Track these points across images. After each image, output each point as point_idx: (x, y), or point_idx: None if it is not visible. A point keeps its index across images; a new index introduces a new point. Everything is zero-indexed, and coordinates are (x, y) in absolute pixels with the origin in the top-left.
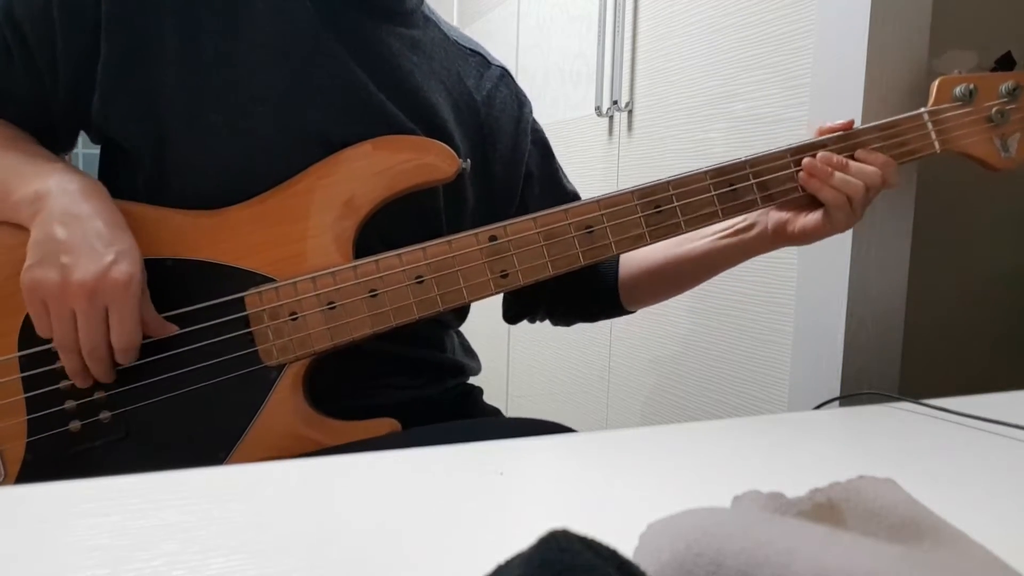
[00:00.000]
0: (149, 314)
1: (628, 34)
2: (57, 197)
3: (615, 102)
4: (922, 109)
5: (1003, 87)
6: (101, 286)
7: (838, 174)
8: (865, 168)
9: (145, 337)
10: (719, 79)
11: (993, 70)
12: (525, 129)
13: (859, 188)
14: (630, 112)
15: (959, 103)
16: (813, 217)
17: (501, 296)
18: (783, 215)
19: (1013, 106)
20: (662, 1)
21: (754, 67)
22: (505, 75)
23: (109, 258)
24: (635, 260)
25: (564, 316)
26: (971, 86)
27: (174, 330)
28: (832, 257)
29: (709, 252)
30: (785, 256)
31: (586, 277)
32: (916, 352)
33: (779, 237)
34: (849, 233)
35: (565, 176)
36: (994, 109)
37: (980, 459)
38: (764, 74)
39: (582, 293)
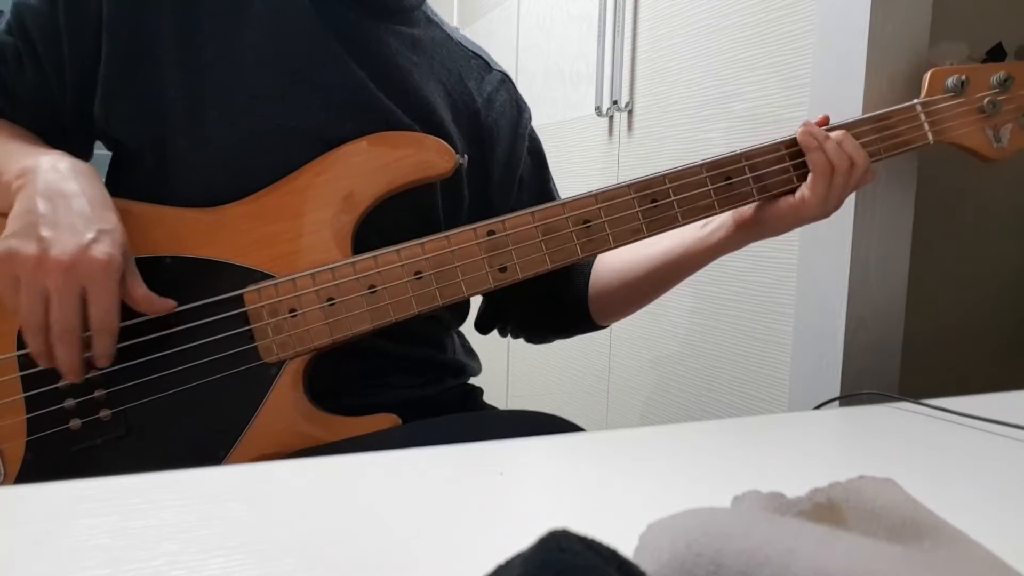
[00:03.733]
0: (138, 290)
1: (628, 34)
2: (45, 172)
3: (615, 102)
4: (915, 100)
5: (994, 78)
6: (79, 264)
7: (830, 142)
8: (855, 150)
9: (141, 315)
10: (719, 79)
11: (984, 61)
12: (523, 134)
13: (844, 159)
14: (630, 112)
15: (951, 94)
16: (785, 198)
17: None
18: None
19: (1004, 97)
20: (662, 1)
21: (754, 67)
22: (506, 80)
23: (90, 236)
24: (606, 273)
25: (536, 332)
26: (963, 77)
27: (172, 305)
28: (832, 257)
29: (676, 257)
30: (785, 256)
31: (556, 292)
32: (916, 352)
33: (743, 224)
34: (849, 233)
35: (556, 189)
36: (986, 100)
37: (980, 459)
38: (764, 74)
39: (552, 309)
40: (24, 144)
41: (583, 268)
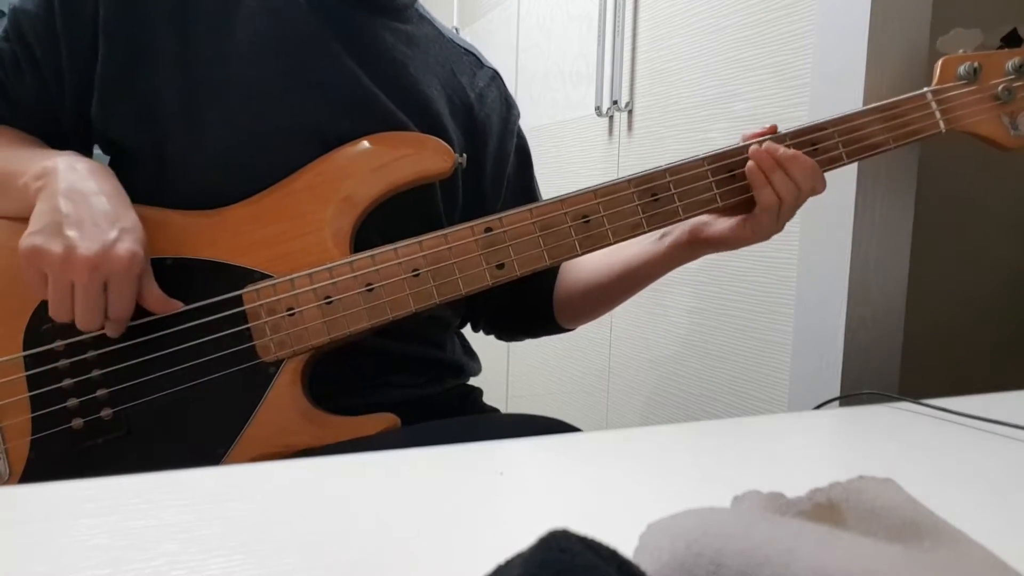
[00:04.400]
0: (152, 291)
1: (628, 34)
2: (64, 172)
3: (615, 102)
4: (925, 88)
5: (1010, 64)
6: (104, 262)
7: (778, 173)
8: (802, 174)
9: (148, 314)
10: (719, 79)
11: (999, 48)
12: (512, 131)
13: (792, 191)
14: (630, 112)
15: (963, 82)
16: (734, 220)
17: None
18: (700, 220)
19: (1021, 83)
20: (662, 1)
21: (754, 67)
22: (496, 77)
23: (113, 235)
24: (571, 279)
25: (505, 330)
26: (975, 64)
27: (178, 306)
28: (832, 257)
29: (637, 266)
30: (785, 256)
31: (523, 294)
32: (916, 352)
33: (696, 243)
34: (849, 233)
35: (539, 190)
36: (1001, 87)
37: (980, 459)
38: (764, 74)
39: (519, 310)
40: (34, 148)
41: (550, 272)
